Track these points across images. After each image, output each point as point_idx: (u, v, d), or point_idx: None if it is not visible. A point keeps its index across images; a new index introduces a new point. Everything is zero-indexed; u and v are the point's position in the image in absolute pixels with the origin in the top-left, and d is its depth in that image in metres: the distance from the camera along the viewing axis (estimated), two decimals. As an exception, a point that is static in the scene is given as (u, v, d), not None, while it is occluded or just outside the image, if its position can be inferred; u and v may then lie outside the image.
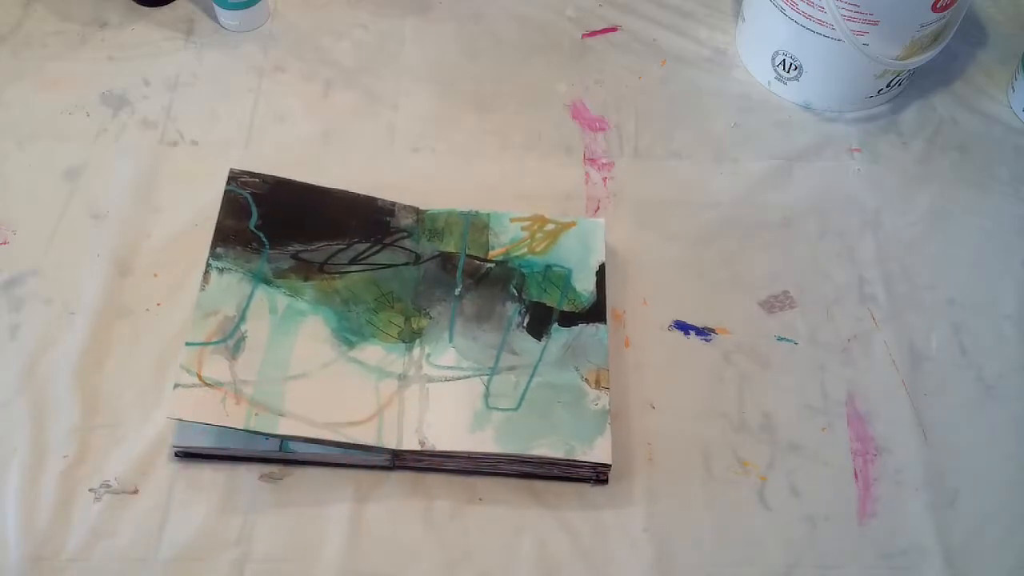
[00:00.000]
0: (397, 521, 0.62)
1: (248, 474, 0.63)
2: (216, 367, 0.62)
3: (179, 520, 0.61)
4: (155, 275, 0.71)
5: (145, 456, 0.63)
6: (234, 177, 0.71)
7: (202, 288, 0.66)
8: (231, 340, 0.64)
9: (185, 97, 0.82)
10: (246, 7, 0.86)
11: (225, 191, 0.70)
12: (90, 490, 0.62)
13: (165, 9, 0.89)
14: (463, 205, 0.73)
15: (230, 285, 0.66)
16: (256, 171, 0.72)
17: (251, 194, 0.70)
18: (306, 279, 0.67)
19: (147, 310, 0.70)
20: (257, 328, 0.65)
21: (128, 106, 0.81)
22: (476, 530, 0.62)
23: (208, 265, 0.66)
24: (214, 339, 0.63)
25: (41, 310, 0.69)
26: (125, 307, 0.70)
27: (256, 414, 0.61)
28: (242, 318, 0.65)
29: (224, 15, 0.86)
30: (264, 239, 0.69)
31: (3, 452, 0.63)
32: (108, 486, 0.62)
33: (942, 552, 0.62)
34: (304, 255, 0.68)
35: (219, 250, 0.67)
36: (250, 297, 0.66)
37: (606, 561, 0.61)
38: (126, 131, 0.80)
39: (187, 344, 0.63)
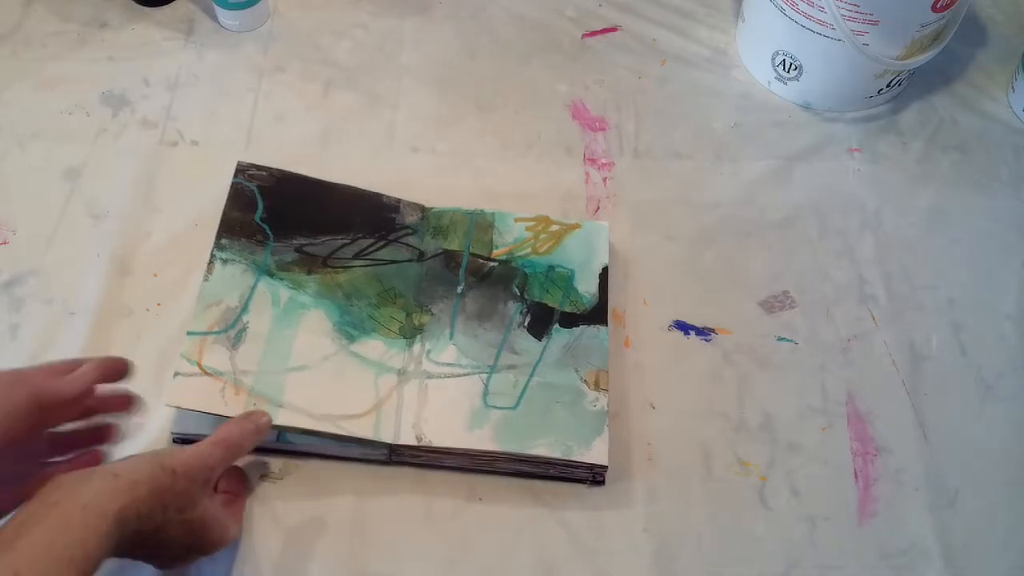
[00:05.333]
0: (397, 520, 0.62)
1: (247, 474, 0.63)
2: (216, 357, 0.62)
3: (179, 520, 0.61)
4: (155, 275, 0.71)
5: (145, 456, 0.63)
6: (242, 170, 0.71)
7: (205, 278, 0.65)
8: (232, 330, 0.64)
9: (185, 97, 0.82)
10: (246, 7, 0.86)
11: (232, 183, 0.70)
12: (90, 490, 0.62)
13: (165, 9, 0.89)
14: (463, 205, 0.73)
15: (233, 276, 0.66)
16: (264, 164, 0.72)
17: (258, 187, 0.70)
18: (309, 272, 0.67)
19: (147, 310, 0.70)
20: (259, 319, 0.65)
21: (128, 106, 0.81)
22: (476, 529, 0.62)
23: (212, 256, 0.66)
24: (215, 329, 0.64)
25: (41, 310, 0.69)
26: (125, 307, 0.70)
27: (255, 404, 0.61)
28: (244, 309, 0.65)
29: (224, 15, 0.86)
30: (269, 232, 0.69)
31: (3, 452, 0.63)
32: (108, 486, 0.62)
33: (942, 552, 0.62)
34: (308, 249, 0.69)
35: (224, 241, 0.67)
36: (253, 289, 0.66)
37: (606, 561, 0.61)
38: (126, 131, 0.80)
39: (188, 333, 0.63)
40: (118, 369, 0.59)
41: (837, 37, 0.77)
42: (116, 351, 0.67)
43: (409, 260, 0.70)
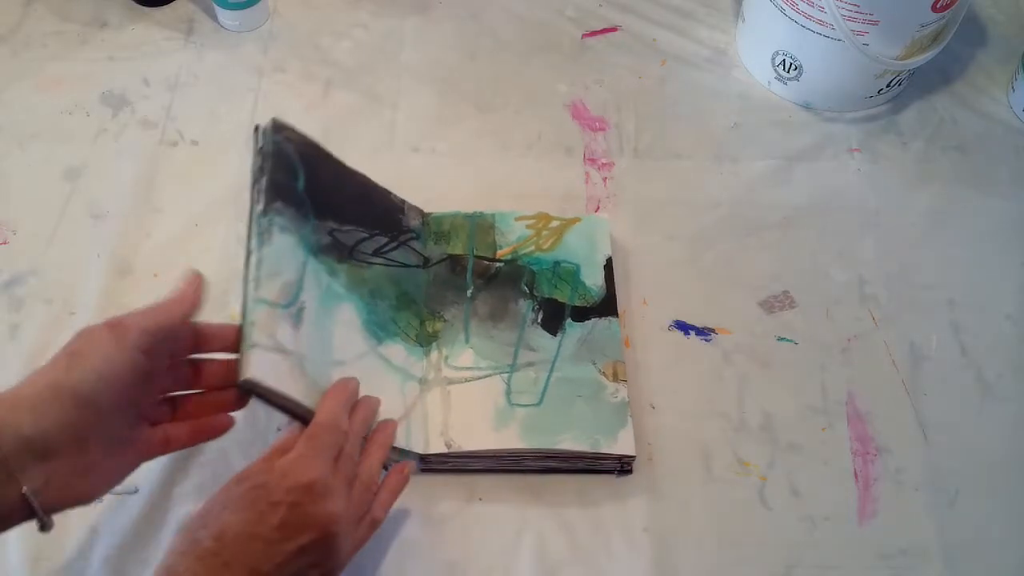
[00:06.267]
0: (397, 521, 0.62)
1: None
2: (286, 333, 0.55)
3: (179, 520, 0.61)
4: (155, 275, 0.71)
5: (145, 456, 0.63)
6: (279, 128, 0.61)
7: (264, 242, 0.56)
8: (293, 307, 0.56)
9: (185, 97, 0.82)
10: (246, 7, 0.86)
11: (272, 141, 0.60)
12: (90, 490, 0.62)
13: (165, 9, 0.89)
14: (463, 205, 0.73)
15: (289, 247, 0.58)
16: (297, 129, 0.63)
17: (296, 152, 0.62)
18: (339, 261, 0.62)
19: (147, 310, 0.69)
20: (310, 302, 0.58)
21: (128, 106, 0.81)
22: (476, 530, 0.62)
23: (270, 219, 0.57)
24: (281, 302, 0.56)
25: (41, 310, 0.69)
26: (125, 307, 0.68)
27: (316, 395, 0.55)
28: (300, 286, 0.58)
29: (224, 15, 0.87)
30: (311, 206, 0.61)
31: (3, 452, 0.63)
32: (108, 486, 0.62)
33: (942, 552, 0.62)
34: (337, 235, 0.63)
35: (278, 205, 0.58)
36: (305, 265, 0.59)
37: (606, 561, 0.61)
38: (126, 131, 0.80)
39: (259, 301, 0.54)
40: (199, 283, 0.53)
41: (837, 37, 0.77)
42: (116, 351, 0.67)
43: (416, 266, 0.69)
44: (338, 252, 0.63)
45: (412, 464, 0.59)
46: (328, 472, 0.50)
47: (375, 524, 0.54)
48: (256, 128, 0.61)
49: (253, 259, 0.56)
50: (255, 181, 0.59)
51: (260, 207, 0.57)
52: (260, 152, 0.60)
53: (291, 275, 0.57)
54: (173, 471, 0.62)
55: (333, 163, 0.66)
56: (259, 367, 0.52)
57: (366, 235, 0.66)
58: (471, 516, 0.62)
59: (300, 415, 0.54)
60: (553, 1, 0.92)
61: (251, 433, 0.64)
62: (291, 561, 0.48)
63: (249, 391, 0.52)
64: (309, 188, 0.62)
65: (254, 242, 0.56)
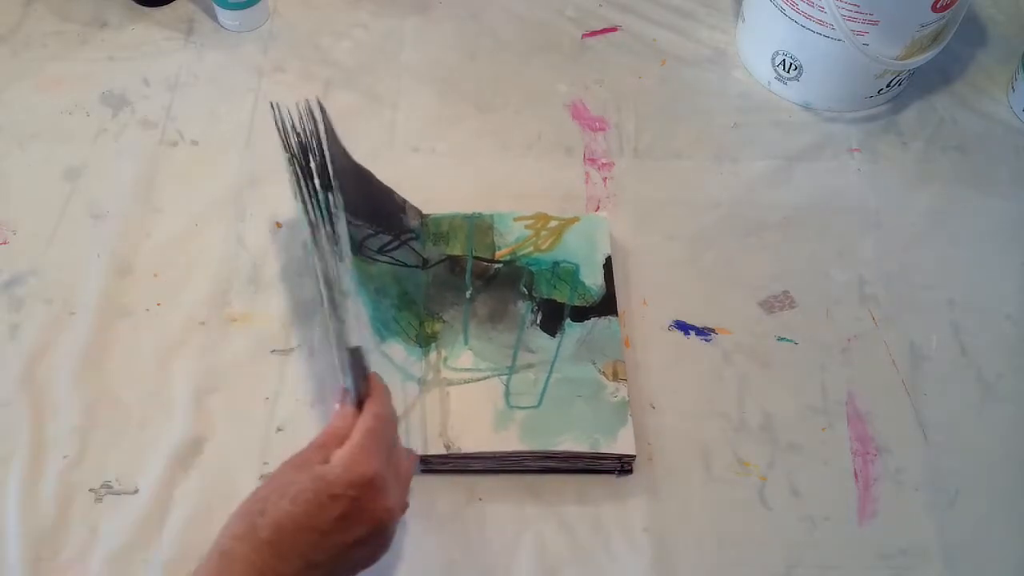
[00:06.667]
0: (397, 521, 0.62)
1: (248, 475, 0.63)
2: (356, 310, 0.57)
3: (179, 520, 0.61)
4: (155, 275, 0.71)
5: (145, 456, 0.63)
6: (323, 109, 0.62)
7: (337, 219, 0.57)
8: (351, 292, 0.58)
9: (185, 97, 0.82)
10: (246, 7, 0.86)
11: (324, 119, 0.62)
12: (90, 490, 0.62)
13: (165, 9, 0.89)
14: (463, 205, 0.73)
15: (344, 227, 0.59)
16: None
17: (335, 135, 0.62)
18: (353, 253, 0.63)
19: (147, 310, 0.69)
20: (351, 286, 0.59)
21: (128, 106, 0.81)
22: (476, 530, 0.62)
23: (336, 196, 0.58)
24: (352, 279, 0.58)
25: (41, 310, 0.69)
26: (125, 307, 0.70)
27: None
28: (352, 268, 0.59)
29: (224, 15, 0.87)
30: (343, 192, 0.62)
31: (3, 452, 0.63)
32: (108, 486, 0.62)
33: (942, 552, 0.62)
34: (351, 228, 0.64)
35: (338, 183, 0.59)
36: (349, 248, 0.59)
37: (606, 561, 0.61)
38: (126, 131, 0.80)
39: (346, 273, 0.57)
40: None
41: (837, 37, 0.77)
42: (116, 351, 0.67)
43: (415, 266, 0.69)
44: (352, 244, 0.63)
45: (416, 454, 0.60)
46: (384, 466, 0.50)
47: (405, 509, 0.55)
48: (272, 104, 0.62)
49: (325, 232, 0.56)
50: (304, 155, 0.58)
51: (323, 182, 0.58)
52: (308, 129, 0.60)
53: (348, 257, 0.59)
54: (173, 471, 0.62)
55: (347, 154, 0.67)
56: (356, 336, 0.53)
57: (372, 232, 0.66)
58: (471, 516, 0.62)
59: (359, 393, 0.54)
60: (553, 1, 0.92)
61: (251, 433, 0.64)
62: (346, 552, 0.49)
63: (359, 358, 0.53)
64: (342, 174, 0.63)
65: (318, 216, 0.56)
